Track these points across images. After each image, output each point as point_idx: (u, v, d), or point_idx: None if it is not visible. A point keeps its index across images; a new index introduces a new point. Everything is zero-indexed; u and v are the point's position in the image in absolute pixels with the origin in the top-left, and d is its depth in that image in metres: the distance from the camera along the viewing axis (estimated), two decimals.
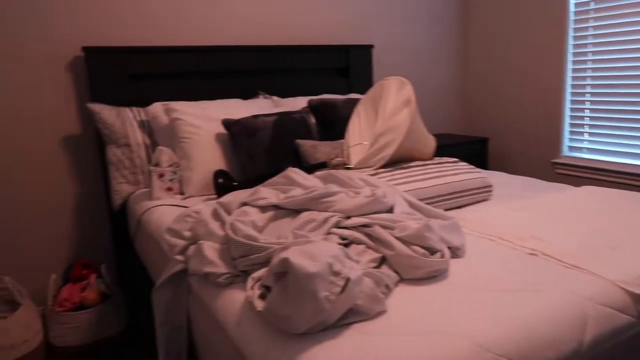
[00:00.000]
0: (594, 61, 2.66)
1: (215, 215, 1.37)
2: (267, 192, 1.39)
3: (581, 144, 2.81)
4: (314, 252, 0.97)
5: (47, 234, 2.29)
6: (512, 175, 2.16)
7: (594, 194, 1.76)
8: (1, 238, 2.20)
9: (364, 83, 2.88)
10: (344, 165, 1.86)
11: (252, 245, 1.14)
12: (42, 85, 2.17)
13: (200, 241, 1.28)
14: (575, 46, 2.74)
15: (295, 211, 1.32)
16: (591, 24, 2.63)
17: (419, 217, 1.36)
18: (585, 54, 2.69)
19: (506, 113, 3.20)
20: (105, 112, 2.13)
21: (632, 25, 2.44)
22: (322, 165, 1.84)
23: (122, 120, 2.14)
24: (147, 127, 2.19)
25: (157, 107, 2.15)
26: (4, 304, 2.19)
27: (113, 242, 2.36)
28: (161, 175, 1.98)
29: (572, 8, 2.71)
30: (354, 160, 1.91)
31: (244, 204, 1.37)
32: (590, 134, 2.75)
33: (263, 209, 1.34)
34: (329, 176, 1.51)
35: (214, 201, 1.44)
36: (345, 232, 1.24)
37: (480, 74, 3.33)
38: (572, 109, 2.82)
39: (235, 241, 1.16)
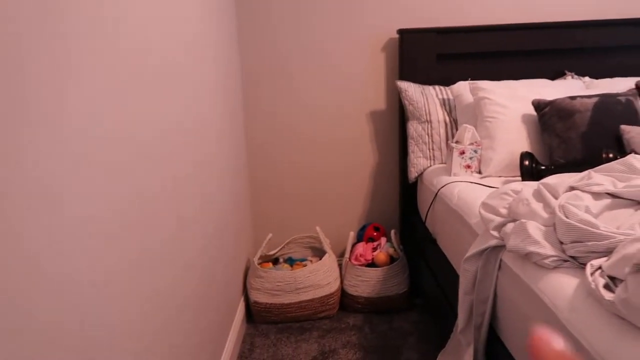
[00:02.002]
0: None
1: (538, 196, 1.34)
2: (601, 178, 1.29)
3: None
4: None
5: (349, 196, 2.63)
6: None
7: None
8: (317, 196, 2.62)
9: None
10: None
11: (590, 231, 1.08)
12: (361, 64, 2.47)
13: (523, 220, 1.27)
14: None
15: (637, 202, 1.19)
16: None
17: None
18: None
19: None
20: (412, 90, 2.29)
21: None
22: None
23: (426, 98, 2.27)
24: (448, 105, 2.27)
25: (462, 86, 2.21)
26: (313, 250, 2.63)
27: (402, 211, 2.56)
28: (462, 153, 2.03)
29: None
30: None
31: (574, 188, 1.30)
32: None
33: (596, 195, 1.25)
34: None
35: (537, 182, 1.41)
36: None
37: None
38: None
39: (569, 225, 1.12)
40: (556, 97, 1.92)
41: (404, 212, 2.54)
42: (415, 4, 2.41)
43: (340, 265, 2.45)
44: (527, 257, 1.21)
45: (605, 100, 1.82)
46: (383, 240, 2.47)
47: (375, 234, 2.54)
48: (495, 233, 1.36)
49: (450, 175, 2.04)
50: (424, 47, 2.34)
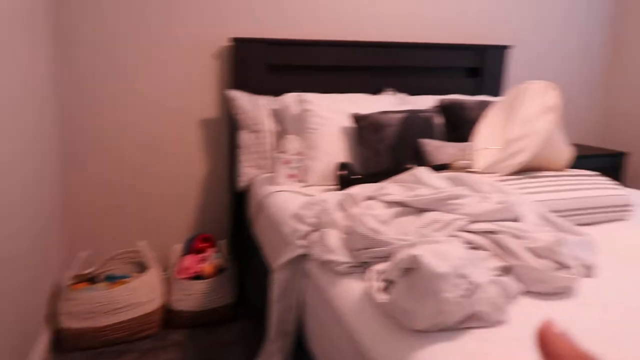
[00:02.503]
0: None
1: (341, 206, 1.41)
2: (393, 188, 1.40)
3: None
4: (444, 252, 0.96)
5: (176, 206, 2.52)
6: None
7: None
8: (140, 206, 2.46)
9: (495, 85, 2.75)
10: (468, 169, 1.80)
11: (375, 239, 1.15)
12: (190, 70, 2.39)
13: (324, 229, 1.32)
14: None
15: (420, 210, 1.31)
16: None
17: (548, 229, 1.28)
18: None
19: None
20: (242, 99, 2.28)
21: None
22: (444, 167, 1.80)
23: (256, 108, 2.28)
24: (277, 115, 2.30)
25: (290, 97, 2.25)
26: (136, 266, 2.45)
27: (232, 220, 2.53)
28: (287, 162, 2.07)
29: None
30: (480, 164, 1.84)
31: (370, 197, 1.39)
32: None
33: (388, 204, 1.35)
34: (457, 178, 1.47)
35: (342, 192, 1.48)
36: (470, 237, 1.20)
37: (624, 84, 3.01)
38: None
39: (359, 233, 1.18)
40: (372, 111, 2.07)
41: (235, 221, 2.51)
42: (250, 13, 2.41)
43: (167, 280, 2.32)
44: (325, 265, 1.26)
45: (411, 116, 2.01)
46: (211, 251, 2.41)
47: (204, 245, 2.46)
48: (301, 242, 1.40)
49: (276, 184, 2.07)
50: (255, 57, 2.35)
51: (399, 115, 1.98)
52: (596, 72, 3.12)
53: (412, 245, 1.05)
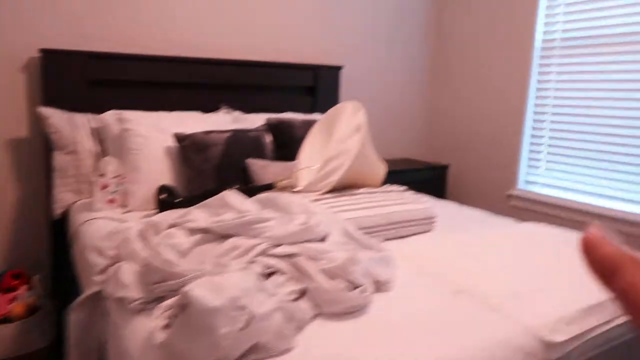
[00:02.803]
0: (555, 97, 2.69)
1: (142, 235, 1.32)
2: (198, 214, 1.34)
3: (537, 178, 2.83)
4: (223, 284, 0.93)
5: None
6: (463, 207, 2.15)
7: (536, 232, 1.75)
8: None
9: (329, 103, 2.86)
10: (291, 188, 1.83)
11: (168, 271, 1.09)
12: None
13: (120, 262, 1.22)
14: (539, 82, 2.77)
15: (223, 236, 1.28)
16: (555, 61, 2.67)
17: (351, 247, 1.33)
18: (547, 89, 2.73)
19: (466, 142, 3.22)
20: (56, 117, 2.06)
21: (594, 65, 2.48)
22: (269, 187, 1.81)
23: (73, 127, 2.08)
24: (98, 135, 2.12)
25: (109, 116, 2.09)
26: None
27: (51, 252, 2.27)
28: (105, 187, 1.91)
29: (538, 44, 2.75)
30: (302, 183, 1.87)
31: (174, 225, 1.32)
32: (547, 169, 2.77)
33: (191, 231, 1.30)
34: (268, 200, 1.47)
35: (144, 219, 1.39)
36: (271, 261, 1.20)
37: (444, 100, 3.35)
38: (531, 144, 2.84)
39: (153, 266, 1.11)
40: (201, 130, 2.01)
41: (55, 253, 2.25)
42: (68, 22, 2.19)
43: None
44: (119, 302, 1.16)
45: (237, 136, 1.98)
46: (23, 288, 2.13)
47: (14, 282, 2.16)
48: (98, 278, 1.28)
49: (93, 210, 1.90)
50: (72, 71, 2.14)
51: (225, 135, 1.95)
52: (420, 90, 3.42)
53: (199, 277, 1.01)
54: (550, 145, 2.74)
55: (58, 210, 2.05)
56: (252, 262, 1.18)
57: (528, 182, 2.88)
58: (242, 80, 2.58)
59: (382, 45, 3.16)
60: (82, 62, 2.17)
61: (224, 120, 2.27)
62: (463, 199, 3.26)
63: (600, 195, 2.50)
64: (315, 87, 2.79)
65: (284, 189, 1.82)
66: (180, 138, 1.92)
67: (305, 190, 1.77)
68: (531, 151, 2.85)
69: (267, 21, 2.71)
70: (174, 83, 2.40)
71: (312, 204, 1.51)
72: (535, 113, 2.81)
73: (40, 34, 2.16)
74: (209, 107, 2.48)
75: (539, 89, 2.78)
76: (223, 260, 1.14)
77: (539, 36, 2.74)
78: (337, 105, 1.88)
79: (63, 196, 2.05)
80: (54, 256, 2.25)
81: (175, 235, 1.25)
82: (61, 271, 2.25)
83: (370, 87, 3.17)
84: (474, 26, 3.11)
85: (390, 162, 3.18)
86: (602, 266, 0.25)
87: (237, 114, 2.45)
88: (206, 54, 2.55)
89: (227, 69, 2.52)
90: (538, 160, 2.81)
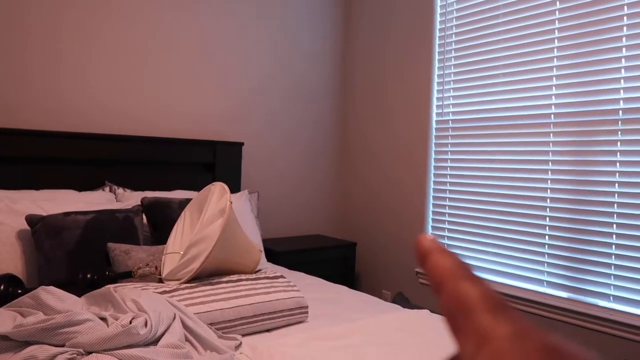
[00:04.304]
0: (452, 176, 2.73)
1: None
2: (2, 316, 1.17)
3: None
4: None
5: None
6: (351, 291, 2.05)
7: (422, 320, 1.66)
8: None
9: (231, 179, 2.78)
10: (154, 276, 1.68)
11: None
12: None
13: None
14: (436, 160, 2.82)
15: (26, 343, 1.10)
16: (450, 140, 2.74)
17: (185, 351, 1.18)
18: (445, 167, 2.77)
19: (374, 219, 3.19)
20: None
21: (481, 146, 2.55)
22: (127, 275, 1.65)
23: None
24: None
25: None
26: None
27: None
28: None
29: (433, 124, 2.83)
30: (166, 270, 1.72)
31: None
32: (450, 245, 2.75)
33: None
34: (102, 296, 1.32)
35: None
36: None
37: (352, 178, 3.35)
38: (434, 220, 2.84)
39: None
40: (66, 211, 1.85)
41: None
42: None
43: None
44: None
45: (102, 217, 1.84)
46: None
47: None
48: None
49: None
50: None
51: (86, 217, 1.79)
52: (330, 167, 3.41)
53: None
54: (450, 222, 2.74)
55: None
56: None
57: None
58: (136, 156, 2.47)
59: (290, 124, 3.17)
60: None
61: (99, 200, 2.12)
62: (373, 277, 3.18)
63: (501, 273, 2.48)
64: (214, 163, 2.71)
65: (145, 277, 1.67)
66: (34, 220, 1.75)
67: (169, 278, 1.63)
68: (434, 227, 2.84)
69: (165, 97, 2.65)
70: (54, 159, 2.25)
71: (158, 297, 1.36)
72: (435, 190, 2.83)
73: None
74: (95, 185, 2.34)
75: (436, 167, 2.82)
76: None
77: (434, 117, 2.83)
78: (208, 186, 1.79)
79: None
80: None
81: None
82: None
83: (278, 164, 3.13)
84: (377, 108, 3.18)
85: (302, 238, 3.09)
86: (431, 276, 0.23)
87: (121, 191, 2.31)
88: (96, 130, 2.43)
89: (118, 144, 2.41)
90: (442, 237, 2.79)
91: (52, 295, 1.23)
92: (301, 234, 3.27)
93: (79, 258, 1.72)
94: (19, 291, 1.58)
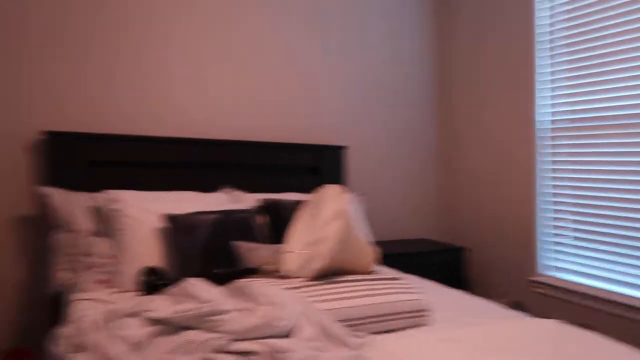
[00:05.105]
0: (571, 179, 2.56)
1: (103, 323, 1.27)
2: (159, 303, 1.29)
3: (563, 264, 2.63)
4: None
5: None
6: (468, 296, 2.00)
7: (546, 330, 1.59)
8: None
9: (335, 182, 2.84)
10: (276, 273, 1.76)
11: None
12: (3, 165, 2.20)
13: (73, 354, 1.17)
14: (553, 162, 2.66)
15: (183, 328, 1.21)
16: (566, 142, 2.58)
17: (319, 345, 1.23)
18: (564, 170, 2.60)
19: (483, 223, 3.09)
20: (55, 196, 2.11)
21: (607, 138, 2.37)
22: (252, 272, 1.75)
23: (71, 206, 2.12)
24: (94, 214, 2.15)
25: (103, 196, 2.12)
26: None
27: (49, 330, 2.24)
28: (94, 267, 1.91)
29: (544, 125, 2.68)
30: (287, 268, 1.80)
31: (132, 314, 1.27)
32: (573, 254, 2.58)
33: (152, 321, 1.24)
34: (238, 289, 1.41)
35: (105, 307, 1.35)
36: (228, 359, 1.11)
37: (457, 181, 3.26)
38: (554, 227, 2.68)
39: None
40: (192, 211, 2.00)
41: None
42: (68, 105, 2.31)
43: None
44: None
45: (226, 217, 1.96)
46: None
47: (22, 359, 2.13)
48: None
49: (83, 291, 1.87)
50: (73, 152, 2.22)
51: (212, 216, 1.93)
52: (434, 170, 3.36)
53: None
54: (575, 229, 2.56)
55: (54, 288, 2.04)
56: (205, 359, 1.11)
57: (555, 268, 2.68)
58: (245, 160, 2.61)
59: (393, 126, 3.17)
60: (83, 143, 2.25)
61: (219, 201, 2.27)
62: (484, 284, 3.07)
63: (627, 284, 2.29)
64: (318, 166, 2.79)
65: (268, 273, 1.76)
66: (169, 219, 1.91)
67: (290, 276, 1.70)
68: (555, 234, 2.67)
69: (272, 102, 2.78)
70: (172, 163, 2.44)
71: (288, 292, 1.43)
72: (554, 195, 2.67)
73: (42, 116, 2.27)
74: (210, 187, 2.49)
75: (553, 170, 2.66)
76: (171, 357, 1.07)
77: (545, 117, 2.68)
78: (323, 189, 1.84)
79: (60, 274, 2.05)
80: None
81: (130, 326, 1.20)
82: None
83: (380, 167, 3.14)
84: (477, 111, 3.08)
85: (406, 242, 3.08)
86: None
87: (239, 193, 2.45)
88: (209, 135, 2.61)
89: (229, 149, 2.57)
90: (562, 244, 2.63)
91: (198, 287, 1.34)
92: (409, 237, 3.26)
93: (209, 254, 1.85)
94: (162, 282, 1.73)
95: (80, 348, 1.23)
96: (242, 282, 1.43)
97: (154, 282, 1.75)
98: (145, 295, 1.71)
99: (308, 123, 2.90)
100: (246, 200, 2.38)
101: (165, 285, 1.71)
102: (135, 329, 1.19)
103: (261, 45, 2.75)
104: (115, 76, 2.41)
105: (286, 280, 1.62)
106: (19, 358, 2.16)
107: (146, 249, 1.93)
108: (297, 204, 2.18)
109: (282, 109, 2.82)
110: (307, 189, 2.73)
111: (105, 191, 2.14)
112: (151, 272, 1.81)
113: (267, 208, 2.15)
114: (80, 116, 2.34)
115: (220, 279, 1.63)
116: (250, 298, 1.35)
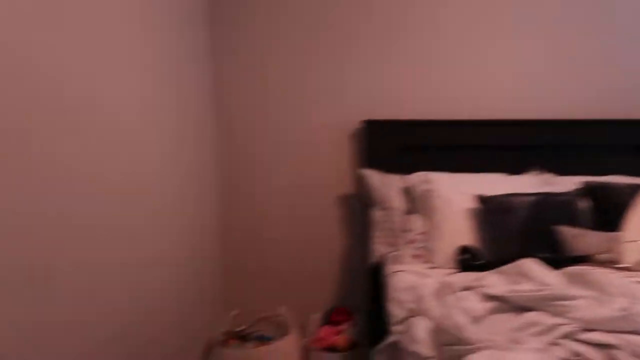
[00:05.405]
0: None
1: (436, 294, 1.36)
2: (494, 280, 1.30)
3: None
4: None
5: (316, 277, 2.65)
6: None
7: None
8: (286, 274, 2.66)
9: None
10: (613, 264, 1.56)
11: (457, 336, 1.08)
12: (328, 149, 2.59)
13: (415, 317, 1.28)
14: None
15: (521, 309, 1.19)
16: None
17: None
18: None
19: None
20: (373, 177, 2.37)
21: None
22: (582, 260, 1.59)
23: (386, 186, 2.34)
24: (405, 194, 2.32)
25: (416, 177, 2.26)
26: (277, 328, 2.61)
27: (369, 295, 2.54)
28: (411, 242, 2.06)
29: None
30: (630, 259, 1.57)
31: (467, 288, 1.31)
32: None
33: (485, 297, 1.25)
34: (577, 275, 1.30)
35: (440, 279, 1.43)
36: (580, 348, 1.04)
37: None
38: None
39: (441, 328, 1.13)
40: (503, 193, 1.95)
41: (372, 297, 2.51)
42: (384, 96, 2.54)
43: (304, 347, 2.43)
44: (413, 355, 1.21)
45: (544, 199, 1.84)
46: (348, 324, 2.45)
47: (340, 317, 2.51)
48: (396, 328, 1.37)
49: (399, 263, 2.05)
50: (386, 137, 2.44)
51: (530, 198, 1.83)
52: None
53: (487, 347, 0.96)
54: None
55: (373, 259, 2.31)
56: (554, 343, 1.06)
57: None
58: (556, 141, 2.39)
59: None
60: (395, 129, 2.44)
61: (529, 183, 2.14)
62: None
63: None
64: None
65: (602, 263, 1.57)
66: (483, 200, 1.91)
67: (634, 269, 1.48)
68: None
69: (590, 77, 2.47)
70: (479, 145, 2.42)
71: (635, 285, 1.25)
72: None
73: (363, 107, 2.55)
74: (514, 169, 2.37)
75: None
76: (518, 336, 1.06)
77: None
78: None
79: (378, 247, 2.30)
80: (371, 299, 2.52)
81: (469, 299, 1.24)
82: (376, 313, 2.50)
83: None
84: None
85: None
86: None
87: (548, 176, 2.26)
88: (519, 116, 2.48)
89: (540, 129, 2.39)
90: None
91: (534, 268, 1.29)
92: None
93: (527, 237, 1.77)
94: (476, 262, 1.75)
95: (416, 312, 1.34)
96: (581, 268, 1.32)
97: (469, 260, 1.78)
98: (459, 272, 1.76)
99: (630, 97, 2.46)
100: (559, 183, 2.18)
101: (482, 265, 1.71)
102: (474, 303, 1.22)
103: (578, 17, 2.47)
104: (428, 64, 2.54)
105: (628, 273, 1.42)
106: (341, 315, 2.52)
107: (457, 228, 1.98)
108: (629, 188, 1.88)
109: (600, 82, 2.47)
110: (630, 172, 2.32)
111: (418, 173, 2.28)
112: (465, 250, 1.85)
113: (591, 191, 1.93)
114: (393, 106, 2.55)
115: (548, 264, 1.53)
116: (595, 287, 1.23)
